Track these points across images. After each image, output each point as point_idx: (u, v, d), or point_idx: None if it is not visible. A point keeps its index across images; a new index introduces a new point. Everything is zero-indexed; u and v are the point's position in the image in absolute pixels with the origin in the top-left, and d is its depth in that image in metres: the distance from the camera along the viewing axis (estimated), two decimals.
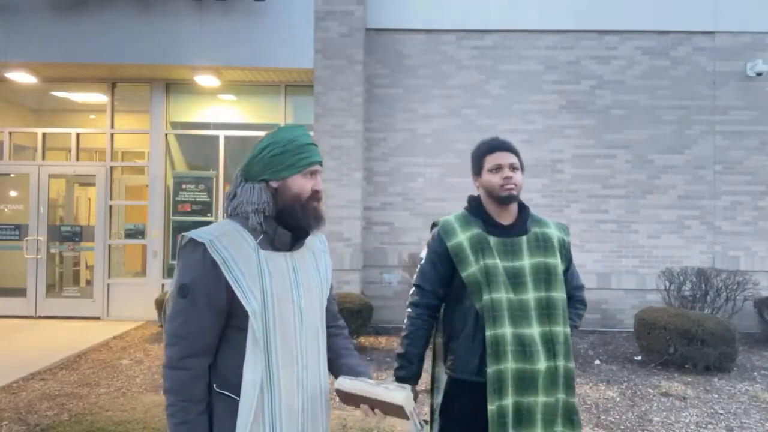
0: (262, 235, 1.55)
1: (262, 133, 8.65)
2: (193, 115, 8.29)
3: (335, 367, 1.72)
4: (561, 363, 1.96)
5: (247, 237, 1.53)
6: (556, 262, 2.03)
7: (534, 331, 1.94)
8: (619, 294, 7.56)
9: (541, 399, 1.92)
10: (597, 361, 6.01)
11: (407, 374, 2.08)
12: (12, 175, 8.26)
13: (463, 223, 2.08)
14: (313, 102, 7.35)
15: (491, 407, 1.88)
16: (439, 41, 7.68)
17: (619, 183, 7.64)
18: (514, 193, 2.02)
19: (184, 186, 8.04)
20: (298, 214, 1.56)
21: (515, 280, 1.97)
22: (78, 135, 8.16)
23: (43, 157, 8.18)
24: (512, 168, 2.04)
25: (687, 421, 4.32)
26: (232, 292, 1.46)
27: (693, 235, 7.62)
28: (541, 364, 1.92)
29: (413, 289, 2.17)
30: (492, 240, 2.02)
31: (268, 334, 1.48)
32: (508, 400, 1.90)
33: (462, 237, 2.04)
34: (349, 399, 1.54)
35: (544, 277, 1.99)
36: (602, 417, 4.38)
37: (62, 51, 7.27)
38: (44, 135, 8.20)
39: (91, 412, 4.36)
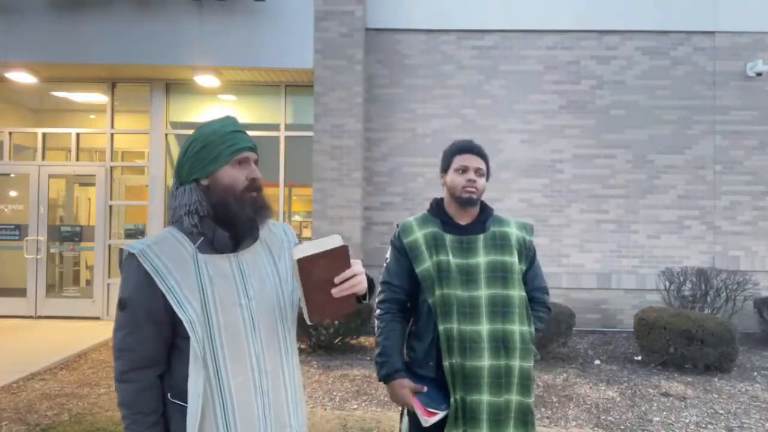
0: (201, 238, 1.47)
1: (262, 133, 8.68)
2: (193, 115, 8.29)
3: None
4: (515, 363, 1.94)
5: (185, 242, 1.46)
6: (513, 260, 2.04)
7: (482, 328, 1.94)
8: (619, 294, 7.56)
9: (485, 398, 1.90)
10: (597, 361, 6.01)
11: (389, 370, 2.00)
12: (12, 175, 8.26)
13: (421, 223, 2.13)
14: (313, 102, 7.35)
15: (451, 399, 1.91)
16: (439, 41, 7.68)
17: (619, 183, 7.64)
18: (474, 196, 2.06)
19: None
20: (233, 208, 1.46)
21: (468, 276, 1.99)
22: (78, 135, 8.17)
23: (43, 157, 8.18)
24: (478, 172, 2.08)
25: (687, 421, 4.32)
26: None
27: (693, 235, 7.62)
28: (484, 362, 1.91)
29: (380, 287, 2.16)
30: (448, 237, 2.05)
31: (213, 342, 1.42)
32: (457, 396, 1.91)
33: (418, 234, 2.08)
34: (307, 274, 1.36)
35: (500, 275, 2.00)
36: (602, 417, 4.39)
37: (62, 51, 7.27)
38: (44, 135, 8.20)
39: (91, 412, 4.36)
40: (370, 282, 1.57)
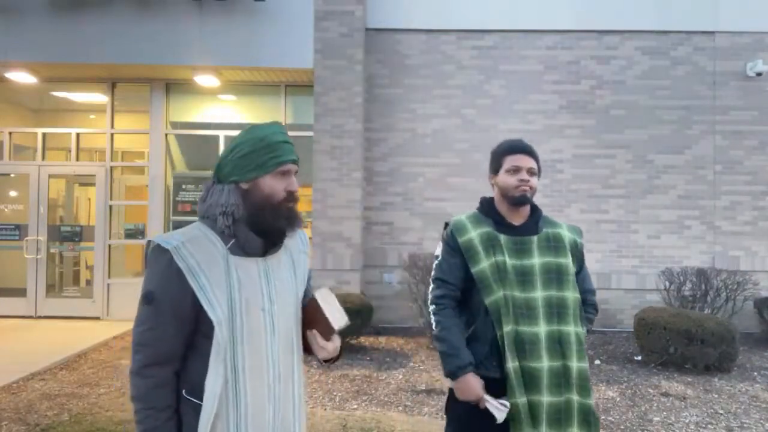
0: (232, 240, 1.49)
1: None
2: (193, 115, 8.29)
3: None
4: (573, 363, 1.93)
5: (217, 242, 1.48)
6: (568, 262, 2.03)
7: (540, 329, 1.93)
8: (619, 294, 7.56)
9: (545, 398, 1.90)
10: (597, 361, 6.01)
11: (461, 362, 1.95)
12: (12, 175, 8.26)
13: (474, 222, 2.10)
14: (313, 102, 7.35)
15: (510, 401, 1.90)
16: (439, 41, 7.68)
17: (619, 183, 7.64)
18: (528, 195, 2.04)
19: (184, 186, 8.04)
20: (267, 218, 1.49)
21: (523, 278, 1.97)
22: (78, 135, 8.16)
23: (43, 157, 8.18)
24: (530, 172, 2.06)
25: (687, 421, 4.32)
26: (198, 299, 1.42)
27: (693, 235, 7.62)
28: (543, 363, 1.91)
29: (433, 284, 2.14)
30: (502, 238, 2.03)
31: (235, 343, 1.44)
32: (517, 399, 1.90)
33: (473, 234, 2.06)
34: (313, 313, 1.57)
35: (555, 276, 1.99)
36: (602, 417, 4.38)
37: (62, 51, 7.27)
38: (44, 135, 8.19)
39: (91, 412, 4.36)
40: (341, 349, 1.70)
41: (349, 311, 6.10)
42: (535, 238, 2.05)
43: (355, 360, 5.91)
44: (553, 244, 2.05)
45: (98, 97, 8.23)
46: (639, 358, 6.08)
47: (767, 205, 7.61)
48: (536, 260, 2.01)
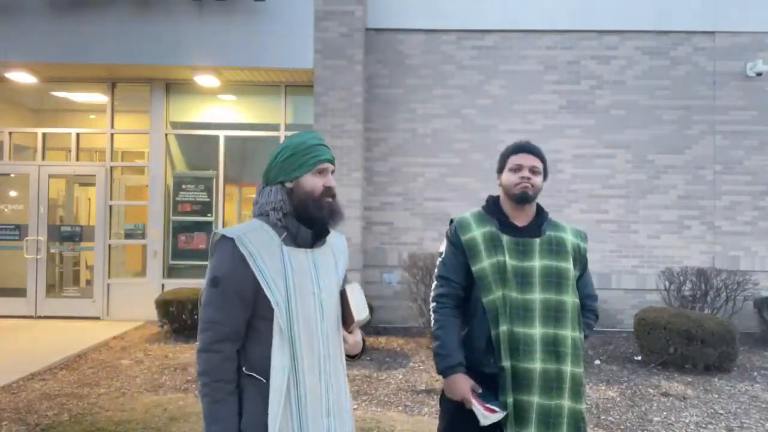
0: (285, 233, 1.68)
1: (262, 133, 8.69)
2: (193, 115, 8.29)
3: None
4: (566, 368, 1.94)
5: (272, 234, 1.67)
6: (568, 266, 2.03)
7: (535, 331, 1.94)
8: (619, 294, 7.56)
9: (535, 400, 1.91)
10: (597, 361, 6.01)
11: (452, 362, 2.01)
12: (12, 175, 8.26)
13: (478, 221, 2.11)
14: (313, 102, 7.35)
15: (501, 399, 1.93)
16: (439, 41, 7.68)
17: (619, 183, 7.64)
18: (529, 192, 2.04)
19: (184, 186, 8.04)
20: (311, 210, 1.67)
21: (523, 279, 1.98)
22: (78, 135, 8.16)
23: (43, 157, 8.18)
24: (533, 170, 2.08)
25: (687, 421, 4.32)
26: (258, 283, 1.59)
27: (693, 235, 7.62)
28: (536, 365, 1.92)
29: (436, 282, 2.16)
30: (505, 238, 2.04)
31: (291, 324, 1.61)
32: (507, 398, 1.93)
33: (476, 232, 2.07)
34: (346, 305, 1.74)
35: (555, 280, 2.00)
36: (602, 417, 4.38)
37: (62, 51, 7.27)
38: (44, 135, 8.19)
39: (91, 412, 4.36)
40: (364, 346, 1.89)
41: None
42: (537, 240, 2.05)
43: (356, 360, 5.90)
44: (555, 248, 2.05)
45: (98, 97, 8.23)
46: (639, 358, 6.08)
47: (767, 205, 7.61)
48: (537, 263, 2.01)
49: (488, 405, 1.91)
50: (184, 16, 7.27)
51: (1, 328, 7.28)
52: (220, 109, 8.38)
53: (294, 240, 1.68)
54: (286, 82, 8.05)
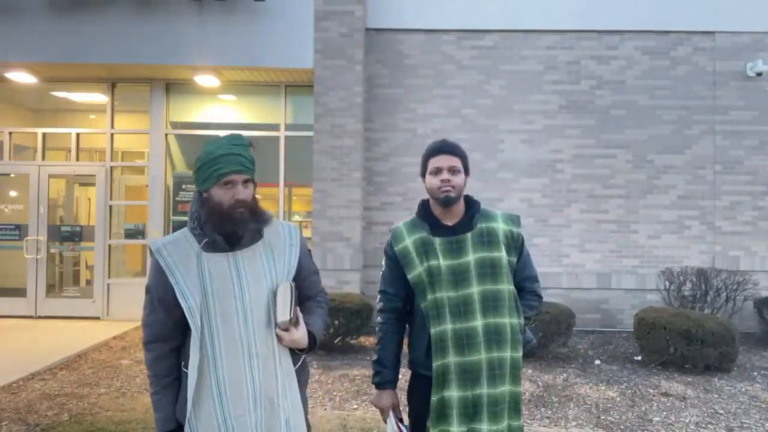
0: (205, 239, 1.74)
1: (262, 133, 8.68)
2: (193, 115, 8.29)
3: None
4: (506, 354, 2.00)
5: (193, 242, 1.75)
6: (501, 255, 2.07)
7: (477, 323, 1.99)
8: (619, 294, 7.56)
9: (486, 391, 1.96)
10: (597, 361, 6.01)
11: (382, 379, 2.16)
12: (12, 175, 8.26)
13: (410, 228, 2.16)
14: (313, 102, 7.35)
15: (433, 398, 2.00)
16: (439, 41, 7.68)
17: (619, 183, 7.64)
18: (452, 195, 2.07)
19: (184, 186, 8.04)
20: (220, 221, 1.72)
21: (458, 276, 2.03)
22: (78, 135, 8.16)
23: (43, 157, 8.18)
24: (452, 171, 2.09)
25: (687, 421, 4.32)
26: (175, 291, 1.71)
27: (693, 235, 7.62)
28: (481, 356, 1.97)
29: (378, 295, 2.24)
30: (437, 241, 2.08)
31: (211, 326, 1.70)
32: (452, 393, 1.97)
33: (408, 241, 2.12)
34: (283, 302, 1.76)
35: (489, 270, 2.04)
36: (602, 417, 4.38)
37: (62, 51, 7.27)
38: (44, 135, 8.20)
39: (91, 412, 4.36)
40: (312, 340, 1.87)
41: (348, 311, 6.09)
42: (469, 235, 2.09)
43: (355, 360, 5.91)
44: (487, 239, 2.08)
45: (98, 97, 8.23)
46: (639, 358, 6.08)
47: (767, 205, 7.61)
48: (471, 257, 2.05)
49: (401, 425, 2.09)
50: (184, 16, 7.28)
51: (1, 328, 7.28)
52: (220, 109, 8.38)
53: (213, 246, 1.74)
54: (286, 82, 8.05)
